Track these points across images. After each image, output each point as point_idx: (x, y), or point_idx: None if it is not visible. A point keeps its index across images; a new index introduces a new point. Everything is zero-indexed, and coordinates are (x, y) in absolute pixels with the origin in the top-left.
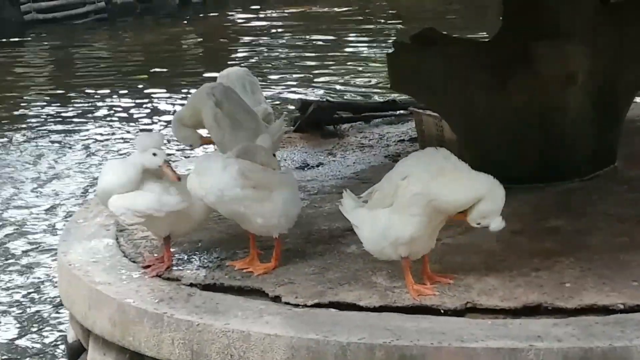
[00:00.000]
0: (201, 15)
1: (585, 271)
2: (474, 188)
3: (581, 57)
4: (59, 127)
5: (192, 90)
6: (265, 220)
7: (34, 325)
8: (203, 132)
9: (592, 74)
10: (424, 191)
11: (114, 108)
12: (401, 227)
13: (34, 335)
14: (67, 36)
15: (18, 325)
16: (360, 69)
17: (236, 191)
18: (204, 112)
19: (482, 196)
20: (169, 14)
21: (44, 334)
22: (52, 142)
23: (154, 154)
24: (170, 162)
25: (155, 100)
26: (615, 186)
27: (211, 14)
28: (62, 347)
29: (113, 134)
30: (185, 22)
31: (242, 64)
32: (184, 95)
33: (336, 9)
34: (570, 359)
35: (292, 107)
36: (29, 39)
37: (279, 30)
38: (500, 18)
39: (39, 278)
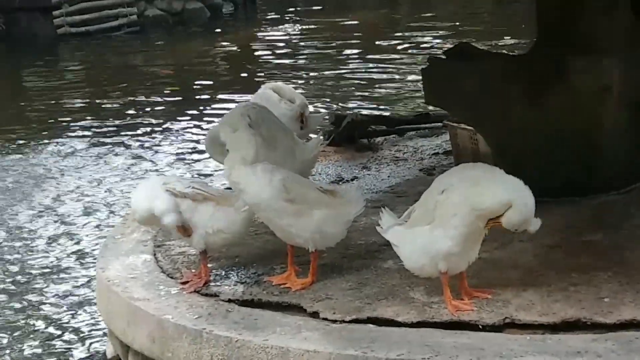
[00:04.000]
0: (232, 27)
1: (624, 285)
2: (505, 190)
3: (616, 71)
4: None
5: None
6: (297, 233)
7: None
8: None
9: (627, 87)
10: (463, 199)
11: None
12: (442, 240)
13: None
14: (99, 50)
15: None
16: (393, 82)
17: (275, 201)
18: (238, 132)
19: (512, 199)
20: (201, 26)
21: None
22: (89, 155)
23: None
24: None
25: (185, 115)
26: None
27: (241, 26)
28: None
29: (150, 148)
30: (218, 33)
31: (273, 79)
32: (214, 112)
33: (367, 18)
34: None
35: (327, 121)
36: (60, 53)
37: (308, 42)
38: (535, 32)
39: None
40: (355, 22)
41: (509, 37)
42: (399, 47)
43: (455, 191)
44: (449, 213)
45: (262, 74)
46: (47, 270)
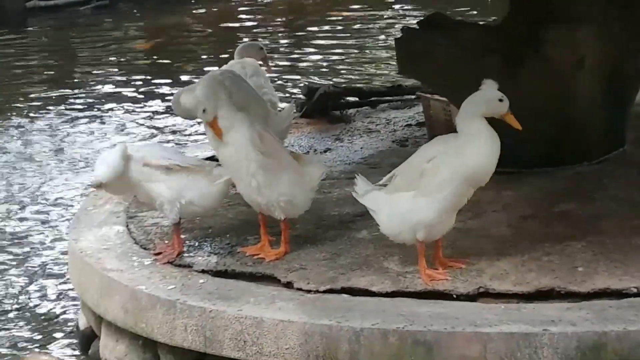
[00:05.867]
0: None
1: (598, 255)
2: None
3: (591, 41)
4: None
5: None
6: (265, 193)
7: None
8: None
9: (602, 58)
10: (457, 167)
11: (118, 94)
12: (425, 210)
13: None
14: (68, 23)
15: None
16: (365, 54)
17: (251, 149)
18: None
19: None
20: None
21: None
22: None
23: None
24: None
25: (160, 86)
26: (624, 169)
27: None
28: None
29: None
30: (192, 5)
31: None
32: (185, 81)
33: None
34: (585, 343)
35: (299, 93)
36: (30, 28)
37: (287, 14)
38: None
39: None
40: None
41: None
42: (371, 17)
43: (444, 160)
44: (435, 182)
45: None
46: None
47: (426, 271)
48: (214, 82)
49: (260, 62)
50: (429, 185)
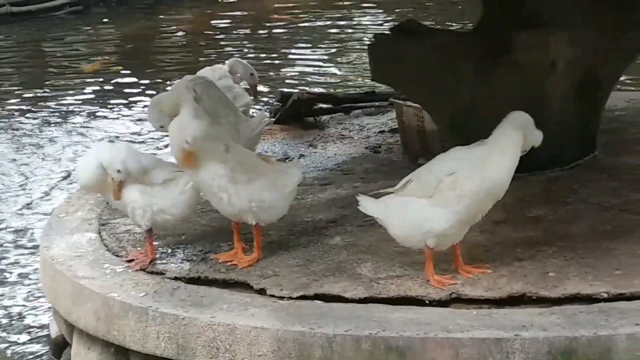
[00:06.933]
0: (179, 7)
1: (569, 260)
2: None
3: (562, 46)
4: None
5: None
6: (237, 203)
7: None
8: None
9: (573, 62)
10: (478, 182)
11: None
12: (440, 220)
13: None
14: (41, 29)
15: None
16: (339, 60)
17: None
18: (183, 106)
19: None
20: (146, 5)
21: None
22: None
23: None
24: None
25: (130, 93)
26: (596, 175)
27: (189, 5)
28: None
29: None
30: (163, 15)
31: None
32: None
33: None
34: (556, 348)
35: (272, 99)
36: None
37: (257, 23)
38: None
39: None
40: (297, 2)
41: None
42: (343, 25)
43: (465, 175)
44: (454, 195)
45: (210, 53)
46: None
47: (435, 277)
48: (185, 88)
49: (247, 87)
50: (447, 197)
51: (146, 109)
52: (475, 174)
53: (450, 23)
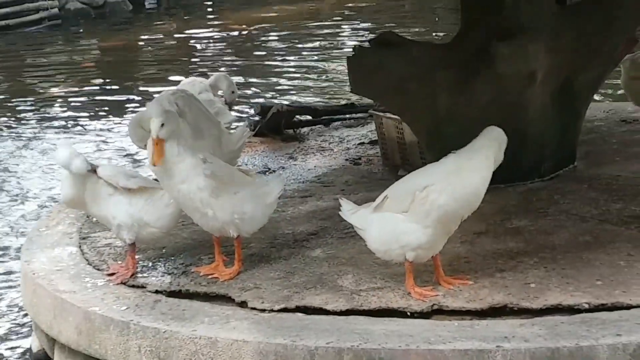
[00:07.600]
0: (156, 22)
1: (550, 271)
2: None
3: (541, 56)
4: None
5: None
6: (219, 216)
7: None
8: None
9: (552, 73)
10: (449, 201)
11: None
12: (416, 234)
13: None
14: (20, 43)
15: None
16: (318, 73)
17: (198, 178)
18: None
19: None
20: (124, 20)
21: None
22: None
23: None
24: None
25: (110, 107)
26: (576, 185)
27: (164, 20)
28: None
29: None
30: (138, 28)
31: (197, 72)
32: (138, 105)
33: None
34: (538, 359)
35: (252, 112)
36: None
37: (235, 37)
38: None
39: None
40: (275, 14)
41: (423, 29)
42: (323, 36)
43: (438, 189)
44: (428, 209)
45: (187, 67)
46: None
47: (415, 289)
48: (167, 102)
49: (226, 101)
50: (421, 211)
51: (126, 123)
52: (446, 187)
53: (427, 33)
